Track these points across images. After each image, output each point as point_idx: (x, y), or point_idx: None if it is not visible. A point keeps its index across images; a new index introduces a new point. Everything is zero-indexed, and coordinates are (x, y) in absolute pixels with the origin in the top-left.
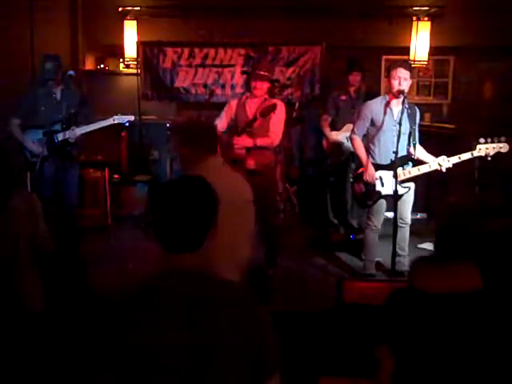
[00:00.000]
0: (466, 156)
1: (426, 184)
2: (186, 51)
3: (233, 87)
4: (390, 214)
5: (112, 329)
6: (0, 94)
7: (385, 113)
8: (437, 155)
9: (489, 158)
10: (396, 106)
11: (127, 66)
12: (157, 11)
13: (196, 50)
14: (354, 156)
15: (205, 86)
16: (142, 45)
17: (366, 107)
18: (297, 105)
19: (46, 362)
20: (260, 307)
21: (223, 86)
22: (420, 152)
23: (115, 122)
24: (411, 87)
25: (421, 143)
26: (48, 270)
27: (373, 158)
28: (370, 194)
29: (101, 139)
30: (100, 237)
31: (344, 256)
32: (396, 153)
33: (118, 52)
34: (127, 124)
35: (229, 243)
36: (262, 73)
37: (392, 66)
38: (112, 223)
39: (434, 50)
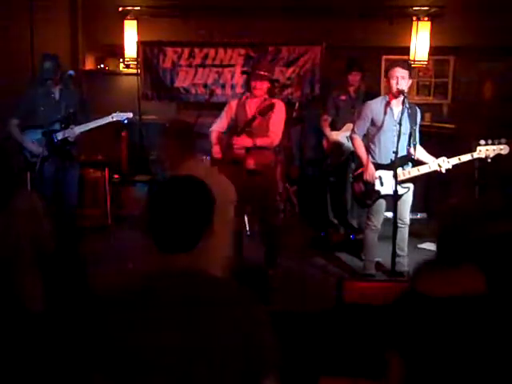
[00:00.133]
0: (465, 157)
1: (426, 184)
2: (186, 51)
3: (233, 87)
4: (390, 214)
5: (108, 329)
6: (0, 94)
7: (385, 113)
8: (437, 155)
9: (489, 160)
10: (396, 106)
11: (127, 66)
12: (157, 11)
13: (196, 50)
14: (354, 156)
15: (205, 86)
16: (142, 45)
17: (366, 107)
18: (297, 105)
19: (46, 362)
20: (257, 306)
21: (223, 86)
22: (420, 152)
23: (114, 119)
24: (411, 87)
25: (421, 143)
26: (48, 270)
27: (373, 157)
28: (370, 194)
29: (101, 139)
30: (100, 237)
31: (344, 256)
32: (396, 153)
33: (118, 52)
34: (126, 121)
35: (213, 243)
36: (262, 73)
37: (390, 66)
38: (112, 223)
39: (434, 50)
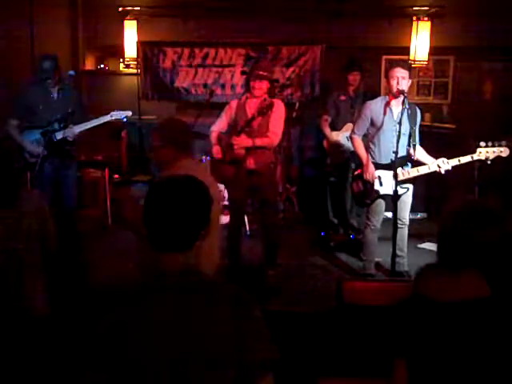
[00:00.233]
0: (465, 159)
1: (426, 184)
2: (186, 51)
3: (233, 87)
4: (390, 214)
5: (103, 328)
6: (0, 93)
7: (385, 113)
8: (437, 155)
9: (488, 162)
10: (396, 106)
11: (127, 66)
12: (157, 11)
13: (196, 50)
14: (354, 156)
15: (205, 85)
16: (142, 45)
17: (365, 107)
18: (297, 105)
19: (46, 362)
20: (252, 307)
21: (223, 86)
22: (420, 153)
23: (113, 118)
24: (411, 87)
25: (421, 143)
26: (50, 270)
27: (372, 157)
28: (369, 193)
29: (101, 139)
30: (100, 237)
31: (344, 256)
32: (396, 153)
33: (118, 52)
34: (125, 119)
35: (206, 242)
36: (261, 73)
37: (390, 66)
38: (112, 223)
39: (434, 50)
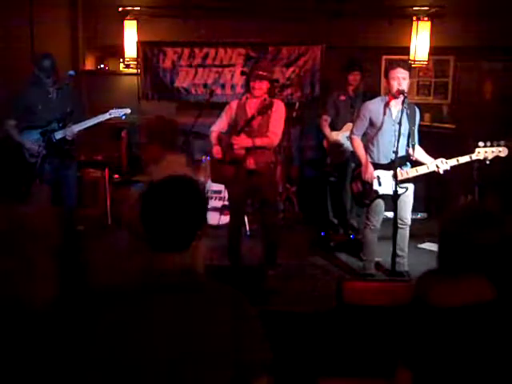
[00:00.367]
0: (464, 159)
1: (426, 184)
2: (186, 51)
3: (233, 87)
4: (390, 214)
5: (101, 328)
6: (0, 93)
7: (384, 113)
8: (436, 155)
9: (487, 162)
10: (395, 106)
11: (127, 66)
12: (157, 11)
13: (196, 50)
14: (354, 156)
15: (205, 85)
16: (142, 45)
17: (364, 107)
18: (297, 105)
19: (46, 362)
20: (248, 307)
21: (223, 86)
22: (419, 153)
23: (111, 116)
24: (411, 87)
25: (420, 143)
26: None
27: (371, 157)
28: (368, 193)
29: (101, 139)
30: (100, 237)
31: (344, 256)
32: (396, 153)
33: (118, 52)
34: (124, 117)
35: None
36: (261, 73)
37: (390, 67)
38: (112, 223)
39: (434, 50)
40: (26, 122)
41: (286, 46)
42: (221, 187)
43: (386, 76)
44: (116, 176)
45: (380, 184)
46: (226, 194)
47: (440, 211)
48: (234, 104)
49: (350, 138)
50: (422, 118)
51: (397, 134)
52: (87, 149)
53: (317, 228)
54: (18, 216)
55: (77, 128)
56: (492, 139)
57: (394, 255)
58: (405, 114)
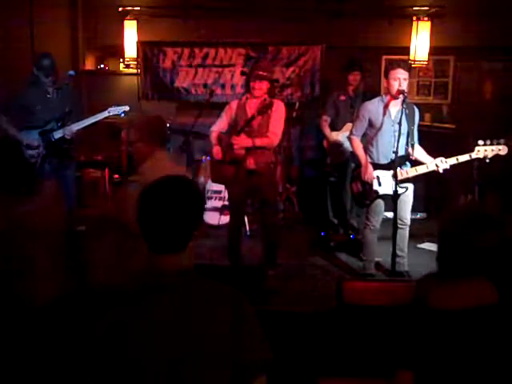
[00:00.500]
0: (463, 158)
1: (426, 184)
2: (186, 51)
3: (233, 87)
4: (390, 215)
5: (101, 328)
6: (0, 93)
7: (384, 114)
8: (436, 155)
9: (487, 161)
10: (394, 106)
11: (127, 66)
12: (157, 11)
13: (196, 50)
14: (354, 156)
15: (205, 85)
16: (142, 45)
17: (363, 108)
18: (297, 105)
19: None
20: (246, 307)
21: (223, 86)
22: (418, 152)
23: (110, 114)
24: (411, 87)
25: (420, 143)
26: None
27: (371, 157)
28: (368, 194)
29: (101, 139)
30: (100, 237)
31: (344, 256)
32: (396, 153)
33: (118, 52)
34: (123, 115)
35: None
36: (261, 73)
37: (390, 67)
38: (112, 223)
39: (434, 50)
40: (25, 122)
41: (286, 45)
42: (221, 187)
43: (386, 76)
44: (116, 176)
45: (380, 184)
46: (225, 194)
47: (440, 211)
48: (233, 104)
49: (349, 139)
50: (421, 118)
51: (396, 134)
52: (87, 149)
53: (317, 228)
54: (18, 215)
55: (75, 127)
56: (492, 138)
57: (394, 255)
58: (403, 114)
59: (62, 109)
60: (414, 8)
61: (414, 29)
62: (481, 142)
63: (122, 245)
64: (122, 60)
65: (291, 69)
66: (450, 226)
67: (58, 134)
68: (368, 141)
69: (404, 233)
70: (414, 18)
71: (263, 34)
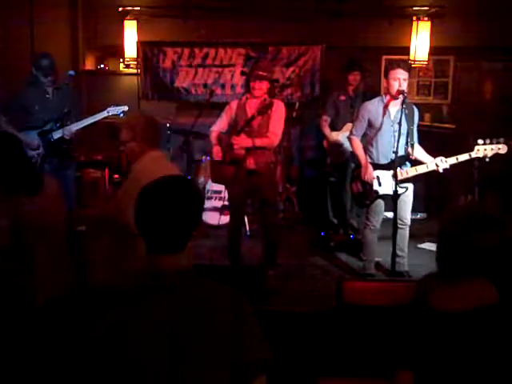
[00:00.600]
0: (463, 157)
1: (426, 184)
2: (186, 51)
3: (233, 87)
4: (390, 215)
5: (103, 328)
6: (0, 93)
7: (384, 114)
8: (436, 156)
9: (487, 160)
10: (393, 106)
11: (127, 66)
12: (157, 11)
13: (196, 50)
14: (354, 156)
15: (205, 85)
16: (142, 45)
17: (363, 108)
18: (297, 105)
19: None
20: (245, 307)
21: (223, 86)
22: (418, 152)
23: (109, 113)
24: (411, 87)
25: (420, 143)
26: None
27: (370, 158)
28: (368, 194)
29: (100, 139)
30: (100, 237)
31: (344, 256)
32: (396, 153)
33: (118, 52)
34: (122, 114)
35: None
36: (261, 73)
37: (390, 67)
38: (112, 223)
39: (434, 50)
40: (24, 122)
41: (286, 45)
42: (221, 187)
43: (386, 76)
44: (116, 176)
45: (380, 184)
46: (225, 194)
47: (440, 211)
48: (233, 104)
49: (349, 139)
50: (421, 118)
51: (396, 134)
52: (87, 149)
53: (317, 228)
54: (19, 215)
55: (75, 127)
56: (491, 138)
57: (394, 255)
58: (403, 114)
59: (60, 109)
60: (414, 8)
61: (414, 29)
62: (480, 141)
63: (121, 245)
64: (122, 60)
65: (291, 69)
66: (450, 225)
67: (57, 135)
68: (368, 141)
69: (404, 233)
70: (414, 18)
71: (263, 34)
